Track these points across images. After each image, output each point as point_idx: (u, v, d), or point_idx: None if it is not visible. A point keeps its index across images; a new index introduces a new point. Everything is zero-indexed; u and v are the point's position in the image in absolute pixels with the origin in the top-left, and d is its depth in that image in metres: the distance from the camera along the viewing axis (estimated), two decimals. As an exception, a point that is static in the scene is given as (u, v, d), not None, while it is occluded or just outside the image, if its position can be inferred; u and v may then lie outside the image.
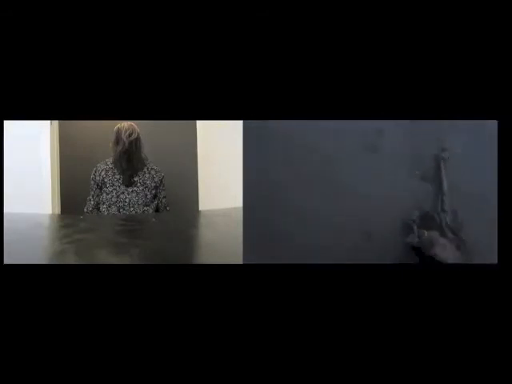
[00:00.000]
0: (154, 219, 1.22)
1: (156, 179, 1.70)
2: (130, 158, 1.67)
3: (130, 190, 1.66)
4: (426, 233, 0.55)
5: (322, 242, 0.56)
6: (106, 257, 0.63)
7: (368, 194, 0.56)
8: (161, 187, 1.73)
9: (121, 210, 1.65)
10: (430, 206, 0.56)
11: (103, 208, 1.67)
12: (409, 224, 0.56)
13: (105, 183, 1.66)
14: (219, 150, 2.01)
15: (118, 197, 1.65)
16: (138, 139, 1.70)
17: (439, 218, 0.55)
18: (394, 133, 0.56)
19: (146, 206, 1.68)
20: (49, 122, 1.99)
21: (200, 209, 2.05)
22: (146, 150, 1.75)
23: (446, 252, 0.55)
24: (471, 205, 0.56)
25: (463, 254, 0.55)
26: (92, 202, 1.69)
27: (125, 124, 1.71)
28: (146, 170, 1.70)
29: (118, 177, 1.66)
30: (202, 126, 2.08)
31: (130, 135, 1.68)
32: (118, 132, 1.70)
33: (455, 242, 0.56)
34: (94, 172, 1.70)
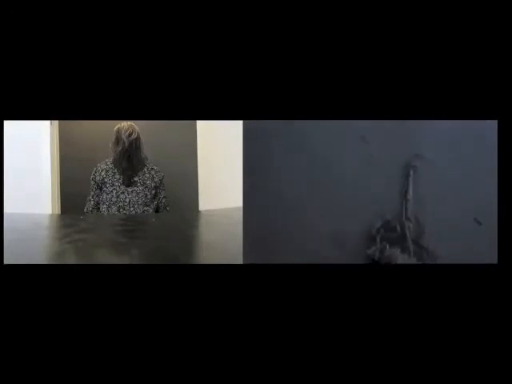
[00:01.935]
0: (153, 219, 1.22)
1: (156, 179, 1.70)
2: (130, 158, 1.67)
3: (130, 189, 1.66)
4: (387, 248, 0.55)
5: (323, 242, 0.56)
6: (105, 257, 0.63)
7: (366, 196, 0.56)
8: (161, 187, 1.73)
9: (121, 210, 1.65)
10: (392, 214, 0.55)
11: (103, 208, 1.67)
12: (372, 235, 0.55)
13: (105, 183, 1.66)
14: (219, 150, 2.01)
15: (117, 197, 1.65)
16: (137, 139, 1.70)
17: (401, 226, 0.55)
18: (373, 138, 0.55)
19: (146, 205, 1.68)
20: (49, 122, 2.00)
21: (200, 209, 2.05)
22: (146, 150, 1.76)
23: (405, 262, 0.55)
24: (470, 205, 0.56)
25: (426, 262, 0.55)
26: (92, 202, 1.69)
27: (125, 124, 1.72)
28: (145, 169, 1.70)
29: (118, 177, 1.66)
30: (201, 125, 2.08)
31: (129, 135, 1.68)
32: (118, 132, 1.70)
33: (417, 255, 0.55)
34: (93, 172, 1.70)
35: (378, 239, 0.55)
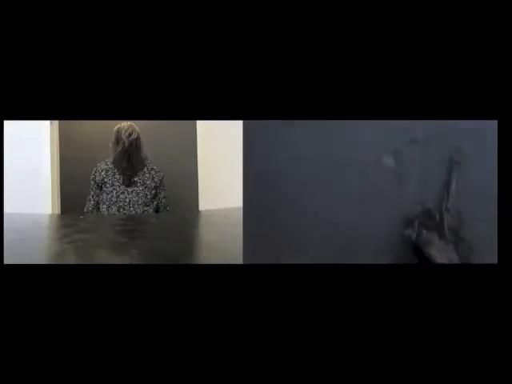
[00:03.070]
0: (153, 219, 1.22)
1: (156, 179, 1.70)
2: (130, 158, 1.67)
3: (130, 189, 1.66)
4: (424, 232, 0.56)
5: (323, 242, 0.56)
6: (106, 257, 0.63)
7: (370, 190, 0.56)
8: (161, 187, 1.73)
9: (121, 210, 1.65)
10: (433, 203, 0.56)
11: (103, 208, 1.67)
12: (411, 219, 0.56)
13: (105, 183, 1.66)
14: (219, 150, 2.01)
15: (117, 197, 1.65)
16: (137, 139, 1.70)
17: (441, 217, 0.55)
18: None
19: (146, 205, 1.68)
20: (49, 122, 2.00)
21: (200, 209, 2.05)
22: (146, 150, 1.76)
23: (442, 254, 0.55)
24: (471, 205, 0.56)
25: (460, 256, 0.56)
26: (92, 202, 1.69)
27: (125, 124, 1.72)
28: (145, 169, 1.70)
29: (118, 177, 1.66)
30: (201, 125, 2.08)
31: (129, 135, 1.68)
32: (118, 132, 1.70)
33: (453, 245, 0.56)
34: (93, 172, 1.70)
35: (416, 224, 0.56)
